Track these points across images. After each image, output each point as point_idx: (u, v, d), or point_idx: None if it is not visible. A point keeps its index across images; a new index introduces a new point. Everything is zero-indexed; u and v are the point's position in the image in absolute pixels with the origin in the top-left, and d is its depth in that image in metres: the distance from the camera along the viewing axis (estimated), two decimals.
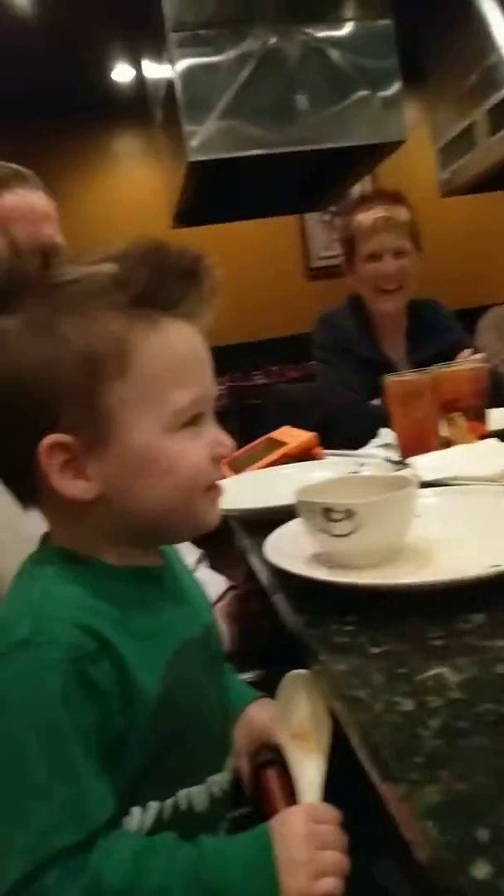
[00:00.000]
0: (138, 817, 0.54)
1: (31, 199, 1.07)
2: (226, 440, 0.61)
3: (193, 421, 0.57)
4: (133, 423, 0.54)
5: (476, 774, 0.37)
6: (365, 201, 1.71)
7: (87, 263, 0.56)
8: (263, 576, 0.82)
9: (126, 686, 0.52)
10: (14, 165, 1.07)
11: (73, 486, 0.54)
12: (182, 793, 0.57)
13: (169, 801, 0.56)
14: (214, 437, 0.60)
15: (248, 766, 0.69)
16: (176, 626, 0.60)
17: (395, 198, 1.71)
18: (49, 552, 0.59)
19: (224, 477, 0.63)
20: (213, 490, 0.60)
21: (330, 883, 0.49)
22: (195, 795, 0.58)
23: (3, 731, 0.48)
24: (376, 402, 1.62)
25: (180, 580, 0.65)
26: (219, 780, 0.62)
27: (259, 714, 0.72)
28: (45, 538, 0.61)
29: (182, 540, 0.68)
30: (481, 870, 0.31)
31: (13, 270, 0.56)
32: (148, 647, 0.55)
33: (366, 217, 1.66)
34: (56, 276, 0.55)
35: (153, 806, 0.55)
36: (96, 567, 0.57)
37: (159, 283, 0.55)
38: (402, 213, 1.68)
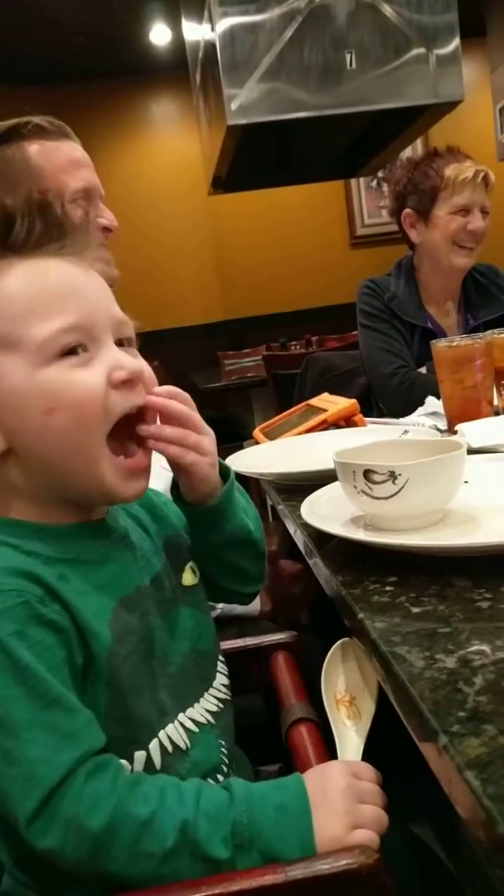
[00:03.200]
0: (128, 769, 0.54)
1: (82, 150, 1.09)
2: (126, 362, 0.58)
3: (77, 351, 0.56)
4: (1, 371, 0.55)
5: None
6: (446, 155, 1.64)
7: None
8: (299, 539, 0.81)
9: (77, 627, 0.53)
10: (51, 119, 1.08)
11: None
12: (161, 734, 0.57)
13: (153, 746, 0.56)
14: (110, 361, 0.57)
15: None
16: (121, 575, 0.60)
17: (471, 157, 1.66)
18: None
19: (143, 408, 0.59)
20: (124, 463, 0.58)
21: (367, 835, 0.49)
22: (172, 733, 0.58)
23: None
24: (422, 370, 1.58)
25: (123, 530, 0.64)
26: (190, 714, 0.62)
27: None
28: None
29: (95, 502, 0.62)
30: None
31: None
32: (91, 599, 0.55)
33: (460, 169, 1.60)
34: None
35: (140, 755, 0.55)
36: (29, 528, 0.57)
37: None
38: (491, 173, 1.63)
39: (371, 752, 0.61)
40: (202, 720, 0.62)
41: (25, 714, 0.47)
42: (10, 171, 1.03)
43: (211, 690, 0.66)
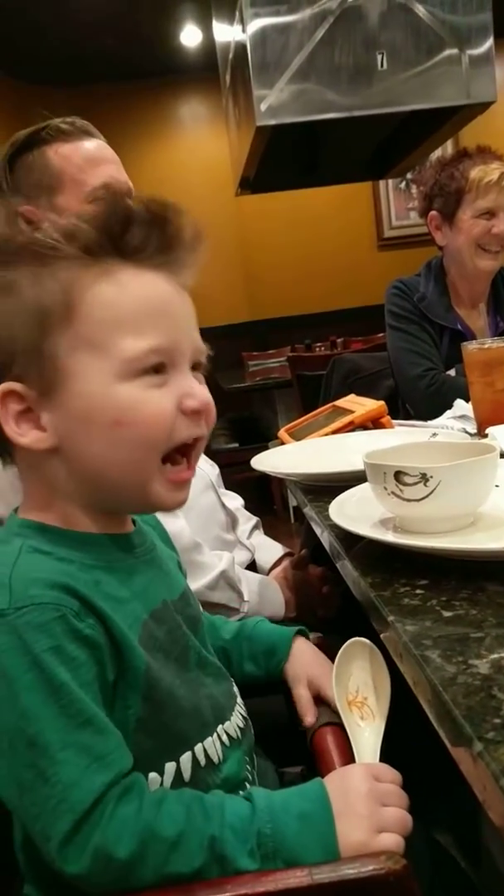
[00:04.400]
0: (157, 781, 0.54)
1: (107, 147, 1.09)
2: (199, 392, 0.57)
3: (157, 371, 0.56)
4: (80, 371, 0.54)
5: None
6: (474, 155, 1.61)
7: (52, 221, 0.56)
8: (326, 541, 0.81)
9: (113, 640, 0.52)
10: (75, 119, 1.09)
11: (26, 436, 0.55)
12: (197, 748, 0.57)
13: (185, 759, 0.56)
14: (185, 388, 0.57)
15: (307, 696, 0.71)
16: (149, 589, 0.60)
17: (501, 156, 1.62)
18: (14, 527, 0.58)
19: (199, 439, 0.59)
20: (172, 476, 0.57)
21: (392, 839, 0.48)
22: (209, 747, 0.58)
23: (5, 703, 0.48)
24: (451, 372, 1.57)
25: (151, 546, 0.64)
26: (226, 728, 0.62)
27: (309, 658, 0.74)
28: (13, 513, 0.61)
29: (130, 511, 0.63)
30: None
31: None
32: (123, 609, 0.55)
33: (485, 171, 1.57)
34: (19, 233, 0.56)
35: (170, 766, 0.55)
36: (62, 535, 0.57)
37: (112, 232, 0.55)
38: None
39: (388, 756, 0.61)
40: (234, 735, 0.62)
41: (59, 734, 0.47)
42: (32, 177, 1.03)
43: (236, 707, 0.66)
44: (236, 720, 0.64)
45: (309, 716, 0.69)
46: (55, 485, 0.58)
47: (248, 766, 0.63)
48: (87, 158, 1.05)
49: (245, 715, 0.66)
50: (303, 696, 0.71)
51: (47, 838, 0.46)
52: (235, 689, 0.68)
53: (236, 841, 0.48)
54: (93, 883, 0.46)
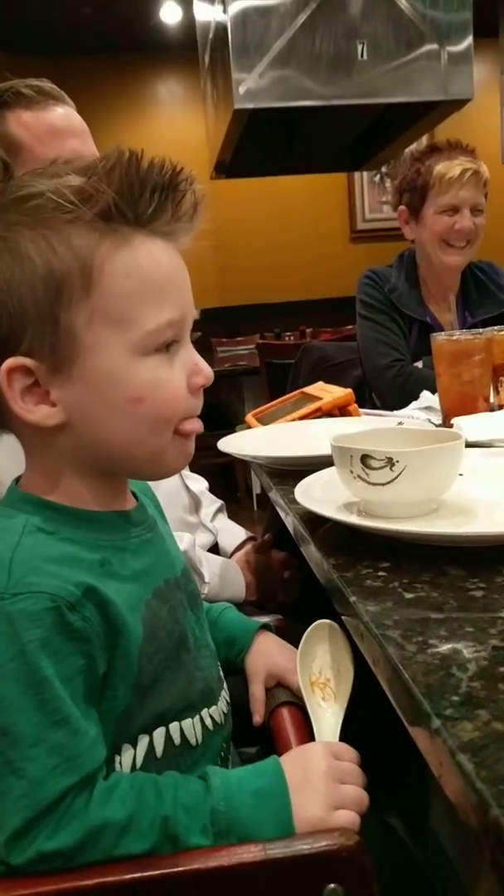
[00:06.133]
0: (130, 754, 0.54)
1: (74, 116, 1.04)
2: (204, 368, 0.57)
3: (168, 347, 0.55)
4: (99, 346, 0.52)
5: None
6: (442, 150, 1.62)
7: (52, 176, 0.52)
8: (290, 523, 0.81)
9: (111, 628, 0.51)
10: (44, 82, 1.03)
11: (35, 412, 0.53)
12: (172, 726, 0.57)
13: (158, 734, 0.55)
14: (192, 363, 0.56)
15: (261, 693, 0.70)
16: (153, 567, 0.59)
17: (472, 151, 1.63)
18: (17, 500, 0.56)
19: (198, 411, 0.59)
20: (185, 427, 0.57)
21: (348, 816, 0.49)
22: (187, 728, 0.58)
23: None
24: (418, 364, 1.58)
25: (154, 522, 0.63)
26: (211, 712, 0.61)
27: (272, 649, 0.73)
28: (14, 484, 0.59)
29: (141, 478, 0.63)
30: None
31: None
32: (130, 588, 0.54)
33: (448, 167, 1.58)
34: (17, 188, 0.52)
35: (143, 740, 0.54)
36: (68, 513, 0.55)
37: (130, 197, 0.51)
38: (484, 168, 1.62)
39: (347, 739, 0.61)
40: (218, 720, 0.62)
41: (33, 728, 0.46)
42: None
43: (223, 693, 0.65)
44: (222, 705, 0.63)
45: (258, 715, 0.69)
46: (62, 459, 0.55)
47: (222, 753, 0.62)
48: (50, 130, 0.99)
49: (229, 700, 0.66)
50: (256, 693, 0.71)
51: (0, 826, 0.46)
52: (221, 672, 0.67)
53: (189, 819, 0.48)
54: (36, 871, 0.46)
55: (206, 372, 0.57)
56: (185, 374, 0.56)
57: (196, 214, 0.55)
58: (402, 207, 1.69)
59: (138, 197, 0.52)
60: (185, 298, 0.56)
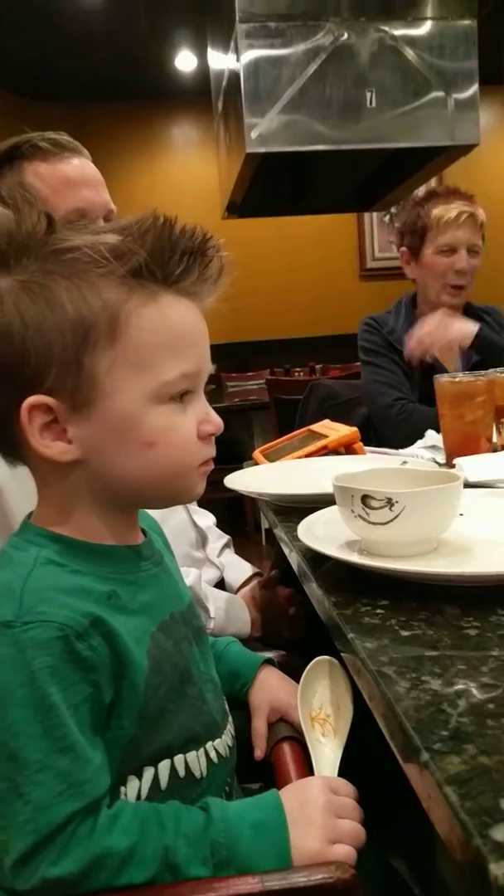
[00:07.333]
0: (135, 784, 0.55)
1: (89, 166, 1.09)
2: (214, 418, 0.61)
3: (182, 397, 0.58)
4: (118, 390, 0.55)
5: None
6: (440, 195, 1.71)
7: (91, 232, 0.56)
8: (294, 560, 0.83)
9: (117, 658, 0.53)
10: (61, 135, 1.08)
11: (51, 448, 0.55)
12: (178, 758, 0.58)
13: (164, 766, 0.57)
14: (202, 413, 0.60)
15: (263, 728, 0.71)
16: (160, 601, 0.61)
17: (470, 196, 1.72)
18: (30, 533, 0.58)
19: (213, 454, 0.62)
20: (203, 465, 0.61)
21: (344, 850, 0.50)
22: (192, 761, 0.59)
23: None
24: (422, 406, 1.61)
25: (161, 557, 0.66)
26: (216, 745, 0.62)
27: (275, 683, 0.74)
28: (27, 520, 0.61)
29: (158, 507, 0.67)
30: (501, 833, 0.31)
31: (16, 231, 0.55)
32: (136, 620, 0.56)
33: (446, 210, 1.67)
34: (58, 241, 0.55)
35: (149, 772, 0.56)
36: (78, 547, 0.57)
37: (160, 258, 0.55)
38: (480, 212, 1.70)
39: (348, 777, 0.62)
40: (223, 753, 0.63)
41: (39, 754, 0.47)
42: (3, 191, 1.03)
43: (228, 726, 0.66)
44: (227, 738, 0.64)
45: (259, 750, 0.71)
46: (75, 493, 0.58)
47: (226, 789, 0.63)
48: (63, 180, 1.04)
49: (234, 734, 0.67)
50: (258, 728, 0.72)
51: (5, 851, 0.47)
52: (227, 706, 0.68)
53: (189, 850, 0.49)
54: None
55: (215, 421, 0.61)
56: (196, 423, 0.59)
57: (221, 278, 0.60)
58: (403, 249, 1.77)
59: (168, 259, 0.56)
60: (203, 353, 0.60)
